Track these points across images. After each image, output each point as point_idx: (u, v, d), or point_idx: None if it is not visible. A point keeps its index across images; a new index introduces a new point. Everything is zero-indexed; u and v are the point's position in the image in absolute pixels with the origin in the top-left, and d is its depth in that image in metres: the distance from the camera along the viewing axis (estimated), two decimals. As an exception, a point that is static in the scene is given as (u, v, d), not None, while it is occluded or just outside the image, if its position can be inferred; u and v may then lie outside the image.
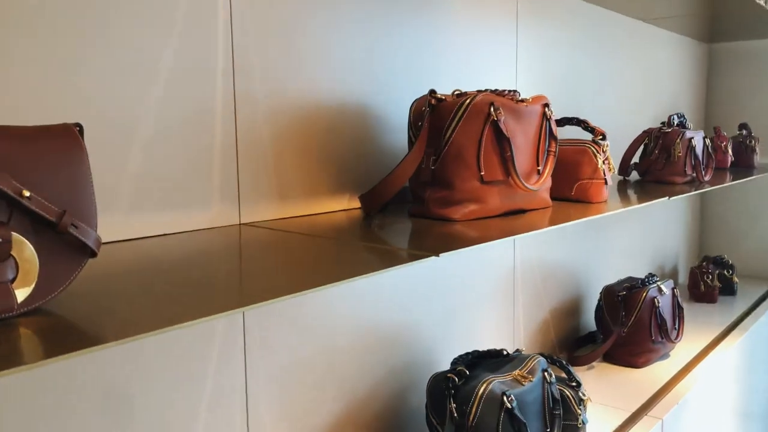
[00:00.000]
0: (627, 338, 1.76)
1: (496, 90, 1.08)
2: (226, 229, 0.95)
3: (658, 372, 1.74)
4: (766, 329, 2.35)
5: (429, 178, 1.05)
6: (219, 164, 0.96)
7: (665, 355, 1.83)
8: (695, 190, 1.64)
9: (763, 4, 2.04)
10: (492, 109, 1.03)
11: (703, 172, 1.74)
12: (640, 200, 1.34)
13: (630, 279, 1.90)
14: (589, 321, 2.00)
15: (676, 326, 1.87)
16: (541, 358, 1.27)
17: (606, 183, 1.27)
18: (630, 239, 2.27)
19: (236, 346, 1.00)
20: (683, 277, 2.76)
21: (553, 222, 1.11)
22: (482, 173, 1.03)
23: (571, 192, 1.29)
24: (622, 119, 2.14)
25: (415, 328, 1.35)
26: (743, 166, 2.43)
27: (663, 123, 1.79)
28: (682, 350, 1.88)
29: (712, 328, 2.10)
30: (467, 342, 1.50)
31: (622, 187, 1.70)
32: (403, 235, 1.00)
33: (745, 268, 2.86)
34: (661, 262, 2.57)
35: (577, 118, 1.31)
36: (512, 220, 1.08)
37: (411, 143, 1.07)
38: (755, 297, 2.51)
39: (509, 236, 0.96)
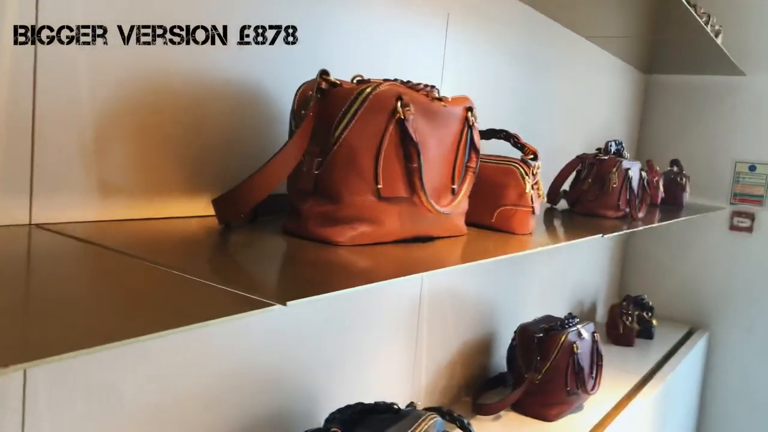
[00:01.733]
0: (540, 386, 1.56)
1: (409, 82, 0.85)
2: (5, 231, 0.67)
3: (572, 427, 1.54)
4: (682, 380, 2.22)
5: (310, 186, 0.79)
6: None
7: (579, 407, 1.64)
8: (628, 228, 1.46)
9: (712, 36, 1.91)
10: (399, 104, 0.78)
11: (637, 208, 1.56)
12: (571, 236, 1.14)
13: (548, 318, 1.71)
14: (500, 361, 1.80)
15: (593, 375, 1.68)
16: (438, 419, 1.03)
17: (533, 212, 1.06)
18: (550, 272, 2.09)
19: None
20: (602, 316, 2.62)
21: (466, 258, 0.88)
22: (379, 186, 0.78)
23: (491, 218, 1.07)
24: (553, 140, 1.96)
25: (292, 372, 1.09)
26: (671, 203, 2.30)
27: (599, 149, 1.61)
28: (597, 402, 1.69)
29: (629, 377, 1.94)
30: (358, 387, 1.26)
31: (549, 216, 1.50)
32: (264, 261, 0.74)
33: (664, 309, 2.75)
34: (581, 297, 2.41)
35: (506, 132, 1.10)
36: (415, 249, 0.85)
37: (291, 137, 0.81)
38: (672, 342, 2.39)
39: (407, 275, 0.72)
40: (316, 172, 0.78)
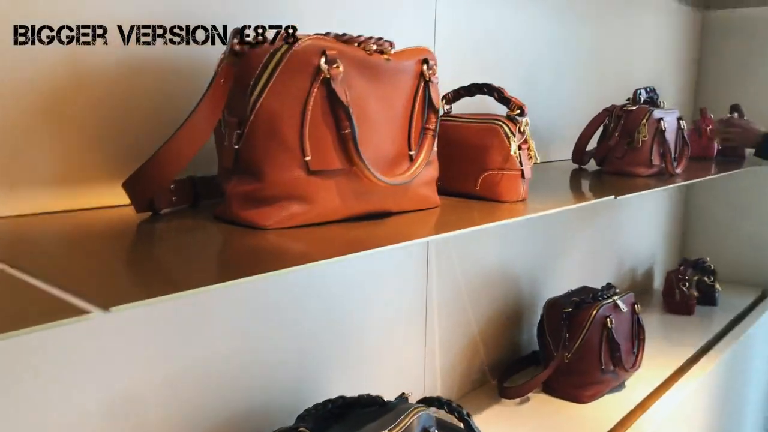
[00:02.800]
0: (571, 365, 1.42)
1: (344, 35, 0.73)
2: None
3: (607, 409, 1.40)
4: (750, 350, 2.01)
5: (230, 163, 0.70)
6: None
7: (620, 386, 1.49)
8: (663, 185, 1.30)
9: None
10: (324, 61, 0.67)
11: (674, 163, 1.38)
12: (577, 199, 1.00)
13: (584, 290, 1.56)
14: (532, 339, 1.66)
15: (635, 350, 1.53)
16: (424, 413, 0.93)
17: (523, 176, 0.92)
18: (591, 238, 1.92)
19: None
20: (659, 283, 2.42)
21: (431, 230, 0.77)
22: (307, 158, 0.68)
23: (475, 186, 0.94)
24: (586, 95, 1.78)
25: (275, 358, 1.01)
26: (731, 155, 2.07)
27: (628, 99, 1.44)
28: (642, 379, 1.54)
29: (683, 349, 1.76)
30: (360, 379, 1.17)
31: (572, 178, 1.35)
32: (161, 255, 0.65)
33: (731, 272, 2.51)
34: (632, 264, 2.22)
35: (488, 85, 0.96)
36: (363, 228, 0.74)
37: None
38: (740, 308, 2.17)
39: (348, 254, 0.62)
40: (236, 146, 0.68)
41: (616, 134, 1.39)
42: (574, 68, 1.71)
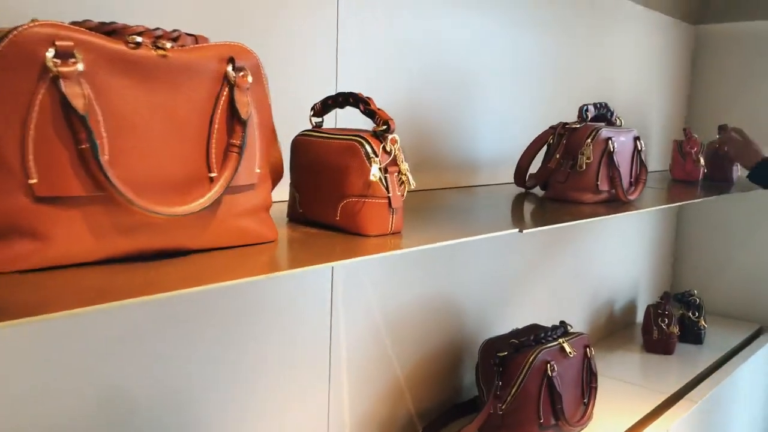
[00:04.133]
0: (505, 418, 1.24)
1: (110, 23, 0.57)
2: None
3: (544, 471, 1.21)
4: (734, 395, 1.80)
5: (-55, 187, 0.54)
6: None
7: (564, 443, 1.30)
8: (611, 213, 1.12)
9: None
10: (52, 54, 0.51)
11: (625, 188, 1.20)
12: (469, 233, 0.82)
13: (531, 329, 1.38)
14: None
15: (585, 401, 1.34)
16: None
17: (390, 204, 0.75)
18: (558, 268, 1.73)
19: None
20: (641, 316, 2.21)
21: (239, 273, 0.60)
22: (31, 181, 0.52)
23: (335, 215, 0.77)
24: (548, 112, 1.61)
25: (147, 405, 0.84)
26: (718, 179, 1.87)
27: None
28: (593, 434, 1.35)
29: (651, 396, 1.56)
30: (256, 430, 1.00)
31: (500, 205, 1.17)
32: None
33: (723, 306, 2.30)
34: (611, 296, 2.03)
35: (354, 95, 0.79)
36: (139, 271, 0.58)
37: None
38: (726, 348, 1.96)
39: (97, 305, 0.47)
40: (-50, 165, 0.53)
41: (558, 155, 1.21)
42: (534, 82, 1.54)
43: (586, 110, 1.21)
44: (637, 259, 2.16)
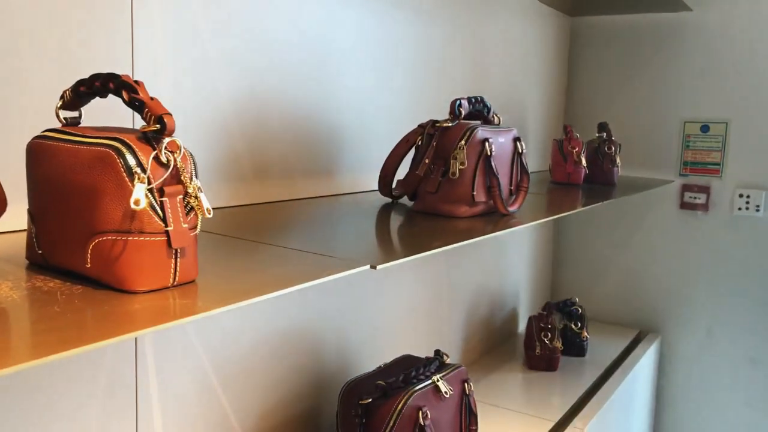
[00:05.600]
0: (370, 480, 1.02)
1: None
2: None
3: None
4: (617, 414, 1.69)
5: None
6: None
7: (440, 499, 1.10)
8: (489, 233, 0.91)
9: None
10: None
11: (504, 198, 1.01)
12: (294, 279, 0.58)
13: (401, 363, 1.17)
14: None
15: (465, 446, 1.15)
16: None
17: (169, 243, 0.50)
18: (432, 281, 1.54)
19: None
20: (523, 326, 2.09)
21: None
22: None
23: (84, 260, 0.51)
24: (415, 107, 1.41)
25: None
26: (600, 181, 1.76)
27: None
28: (474, 483, 1.16)
29: (537, 424, 1.40)
30: None
31: (354, 223, 0.95)
32: None
33: (606, 313, 2.22)
34: (491, 308, 1.87)
35: (116, 77, 0.53)
36: None
37: None
38: (609, 359, 1.86)
39: None
40: None
41: (427, 160, 1.00)
42: (397, 74, 1.33)
43: (459, 105, 1.01)
44: (517, 266, 2.03)
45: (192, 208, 0.52)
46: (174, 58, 0.86)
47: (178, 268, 0.51)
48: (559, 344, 1.74)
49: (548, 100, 2.09)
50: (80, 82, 0.55)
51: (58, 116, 0.57)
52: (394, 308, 1.39)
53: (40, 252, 0.54)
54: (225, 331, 0.98)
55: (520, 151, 1.07)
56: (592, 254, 2.22)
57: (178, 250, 0.51)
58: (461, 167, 0.97)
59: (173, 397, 0.91)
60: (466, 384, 1.16)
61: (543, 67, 2.02)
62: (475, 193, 0.98)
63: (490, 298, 1.86)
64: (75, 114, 0.58)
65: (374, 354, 1.33)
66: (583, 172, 1.70)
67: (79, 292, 0.50)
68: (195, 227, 0.52)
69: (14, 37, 0.69)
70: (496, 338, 1.92)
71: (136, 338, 0.85)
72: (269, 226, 0.84)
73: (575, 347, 1.84)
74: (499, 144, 1.02)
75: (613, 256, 2.18)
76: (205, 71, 0.91)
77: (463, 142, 0.97)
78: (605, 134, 1.78)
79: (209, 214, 0.52)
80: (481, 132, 0.99)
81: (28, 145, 0.55)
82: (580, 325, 1.85)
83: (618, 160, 1.75)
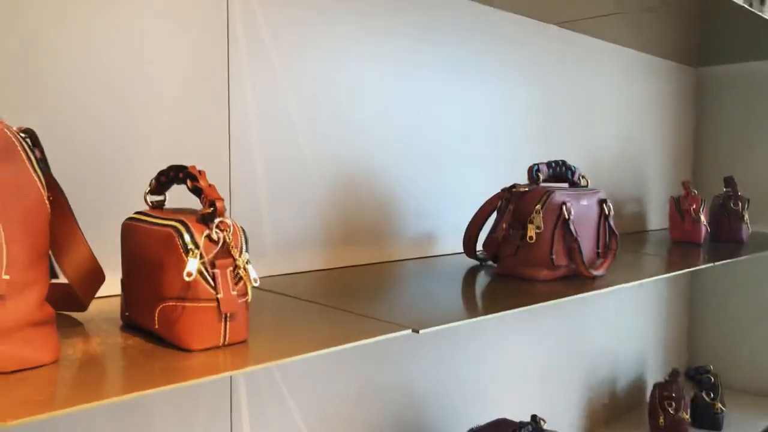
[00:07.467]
0: None
1: None
2: None
3: None
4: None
5: None
6: None
7: None
8: (565, 296, 0.92)
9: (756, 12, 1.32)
10: None
11: (587, 261, 1.00)
12: (330, 341, 0.64)
13: (498, 425, 1.17)
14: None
15: None
16: None
17: (219, 309, 0.58)
18: (544, 341, 1.52)
19: None
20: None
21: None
22: None
23: (153, 322, 0.60)
24: (517, 169, 1.43)
25: None
26: (726, 238, 1.65)
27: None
28: None
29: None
30: None
31: (434, 283, 0.99)
32: None
33: (744, 384, 2.03)
34: (612, 373, 1.79)
35: (183, 169, 0.63)
36: None
37: None
38: (751, 434, 1.69)
39: None
40: None
41: (504, 224, 1.02)
42: (501, 138, 1.37)
43: (537, 170, 1.03)
44: (644, 329, 1.92)
45: (241, 278, 0.60)
46: (265, 144, 0.98)
47: (228, 330, 0.59)
48: (686, 416, 1.62)
49: (672, 156, 2.01)
50: (161, 173, 0.66)
51: (146, 200, 0.68)
52: (499, 365, 1.39)
53: (127, 314, 0.65)
54: (321, 383, 1.05)
55: (607, 213, 1.06)
56: (734, 317, 2.05)
57: (228, 315, 0.59)
58: (537, 231, 0.98)
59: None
60: (561, 452, 1.13)
61: (665, 121, 1.96)
62: (554, 256, 0.99)
63: (611, 363, 1.78)
64: (160, 198, 0.69)
65: (473, 414, 1.33)
66: (704, 230, 1.61)
67: (149, 349, 0.59)
68: (245, 294, 0.60)
69: (135, 142, 0.83)
70: (619, 407, 1.82)
71: (231, 391, 0.94)
72: (342, 290, 0.90)
73: (708, 419, 1.70)
74: (581, 206, 1.02)
75: (755, 320, 2.00)
76: (306, 133, 1.02)
77: (539, 206, 0.99)
78: (731, 189, 1.68)
79: (256, 283, 0.59)
80: (559, 195, 1.00)
81: (122, 225, 0.66)
82: (713, 395, 1.71)
83: (746, 216, 1.64)
